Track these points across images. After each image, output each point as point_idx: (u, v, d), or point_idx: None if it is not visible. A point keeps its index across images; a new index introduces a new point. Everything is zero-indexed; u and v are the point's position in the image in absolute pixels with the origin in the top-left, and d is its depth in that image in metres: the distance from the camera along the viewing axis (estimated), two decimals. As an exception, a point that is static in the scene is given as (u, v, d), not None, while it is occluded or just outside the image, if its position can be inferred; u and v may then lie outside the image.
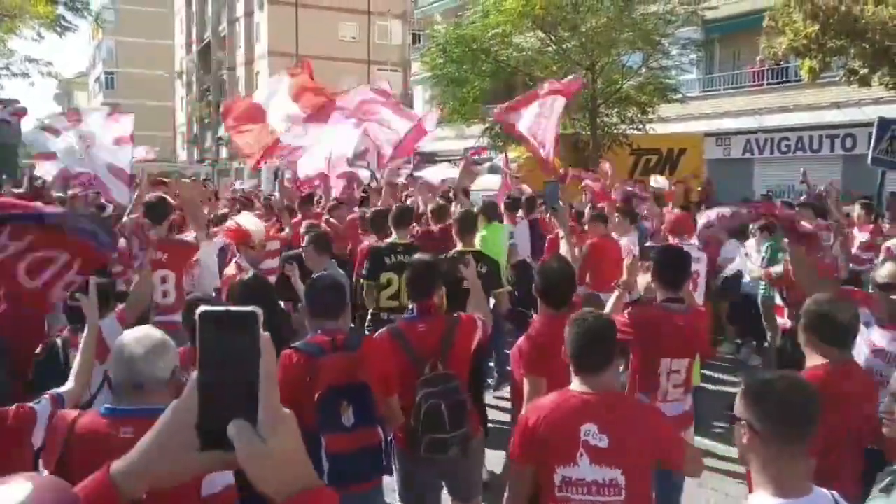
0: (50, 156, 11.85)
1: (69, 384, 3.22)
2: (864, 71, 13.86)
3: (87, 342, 3.45)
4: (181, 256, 6.27)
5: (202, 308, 0.98)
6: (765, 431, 2.11)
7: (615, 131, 18.46)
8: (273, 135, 10.13)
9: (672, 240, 7.31)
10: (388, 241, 6.69)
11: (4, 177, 13.52)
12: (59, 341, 4.18)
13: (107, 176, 10.05)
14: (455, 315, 4.27)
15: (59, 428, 2.58)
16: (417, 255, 4.60)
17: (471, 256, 5.58)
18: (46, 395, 2.99)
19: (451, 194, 10.31)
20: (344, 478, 3.38)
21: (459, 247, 6.53)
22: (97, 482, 1.00)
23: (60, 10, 20.19)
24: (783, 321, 7.47)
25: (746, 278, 8.74)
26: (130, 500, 0.99)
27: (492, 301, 6.00)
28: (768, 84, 22.94)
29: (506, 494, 3.12)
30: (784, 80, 22.33)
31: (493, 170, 15.66)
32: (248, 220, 6.62)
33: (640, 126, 18.87)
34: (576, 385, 3.03)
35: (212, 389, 0.96)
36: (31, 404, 2.88)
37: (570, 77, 9.02)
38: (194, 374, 0.97)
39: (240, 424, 0.95)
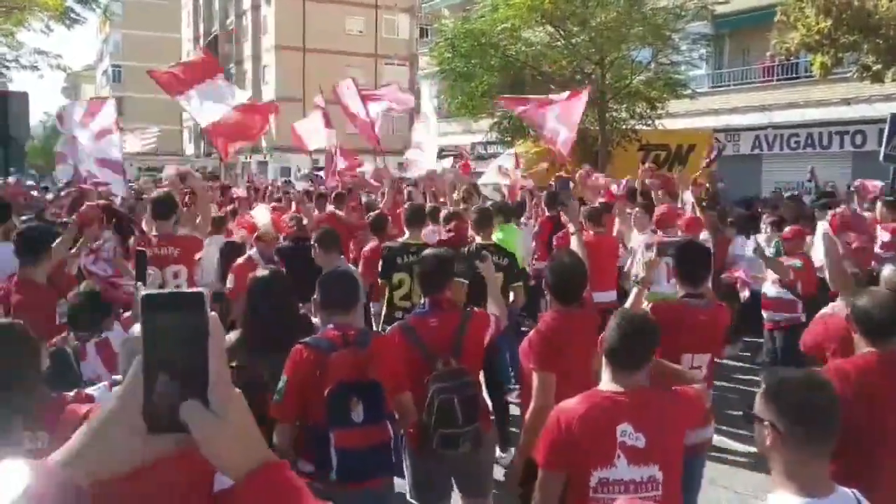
0: (62, 157, 11.92)
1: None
2: (878, 67, 13.74)
3: None
4: (192, 251, 6.26)
5: (145, 291, 0.99)
6: (787, 431, 2.08)
7: (624, 126, 18.41)
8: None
9: (658, 232, 7.34)
10: (401, 240, 6.67)
11: (13, 170, 13.54)
12: (69, 349, 4.15)
13: (100, 171, 10.08)
14: (468, 309, 4.24)
15: (71, 420, 2.56)
16: (429, 250, 4.54)
17: (487, 252, 5.60)
18: (105, 383, 3.07)
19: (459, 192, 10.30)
20: (353, 474, 3.35)
21: (479, 240, 6.52)
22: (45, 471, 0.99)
23: (69, 2, 20.22)
24: (777, 316, 7.44)
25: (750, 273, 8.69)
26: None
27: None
28: (778, 80, 22.80)
29: (534, 501, 3.06)
30: (794, 75, 22.19)
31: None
32: (259, 213, 6.63)
33: (649, 121, 18.79)
34: (606, 382, 3.00)
35: (158, 372, 0.95)
36: (89, 390, 2.97)
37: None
38: (138, 357, 0.97)
39: (192, 405, 0.95)
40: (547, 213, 9.67)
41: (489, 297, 4.51)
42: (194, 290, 0.99)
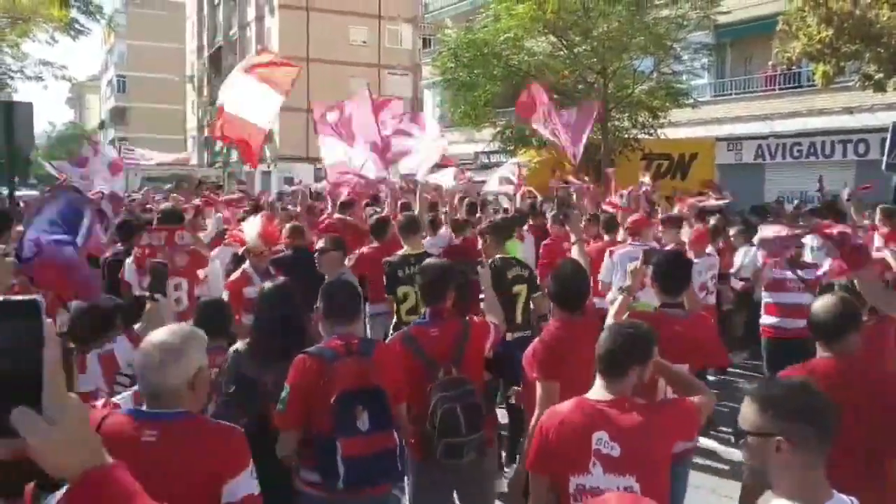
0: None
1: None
2: (880, 76, 13.76)
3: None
4: (195, 264, 6.27)
5: None
6: (799, 438, 2.03)
7: (626, 136, 18.42)
8: (259, 129, 10.51)
9: (632, 240, 7.38)
10: (401, 253, 6.57)
11: (17, 179, 13.58)
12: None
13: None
14: (467, 319, 4.25)
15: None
16: (429, 260, 4.54)
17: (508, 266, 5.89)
18: (131, 391, 3.08)
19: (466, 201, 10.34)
20: (360, 482, 3.36)
21: (499, 255, 6.33)
22: None
23: (74, 13, 20.31)
24: (775, 320, 7.43)
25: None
26: None
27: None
28: (780, 89, 22.81)
29: None
30: (796, 84, 22.20)
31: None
32: (247, 226, 6.57)
33: (652, 131, 18.81)
34: (595, 390, 3.02)
35: None
36: (117, 398, 2.99)
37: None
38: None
39: (23, 411, 0.96)
40: (532, 222, 9.76)
41: (486, 306, 4.52)
42: (29, 297, 0.99)
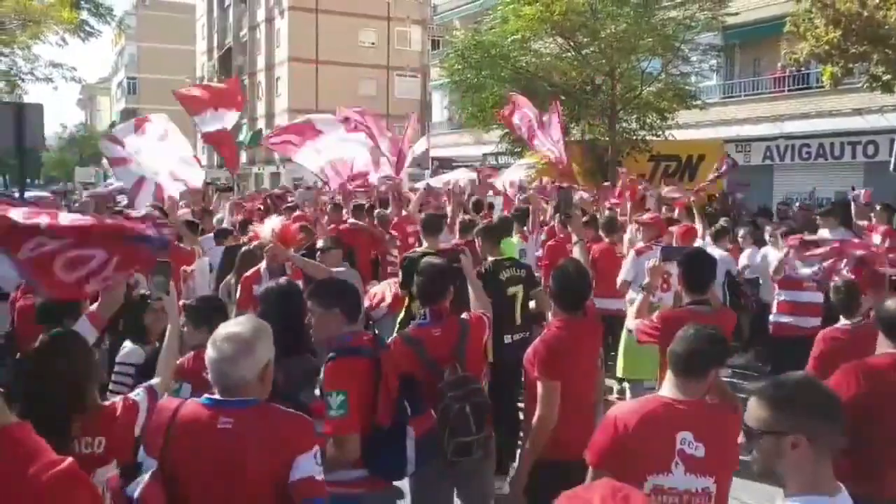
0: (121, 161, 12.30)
1: (157, 378, 3.41)
2: (888, 77, 13.71)
3: (171, 340, 3.63)
4: (177, 260, 6.31)
5: None
6: (815, 434, 2.03)
7: (634, 137, 18.38)
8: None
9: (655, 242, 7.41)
10: (420, 249, 6.66)
11: (29, 180, 13.68)
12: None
13: (169, 178, 10.65)
14: (465, 317, 4.27)
15: (163, 416, 2.68)
16: (427, 260, 4.53)
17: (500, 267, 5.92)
18: (142, 388, 3.20)
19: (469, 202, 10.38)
20: (420, 461, 3.52)
21: (491, 257, 6.34)
22: None
23: (84, 15, 20.43)
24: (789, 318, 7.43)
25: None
26: None
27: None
28: (789, 90, 22.75)
29: None
30: (805, 86, 22.13)
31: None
32: (266, 224, 6.63)
33: (660, 132, 18.78)
34: (666, 389, 3.04)
35: None
36: (132, 396, 3.12)
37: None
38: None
39: None
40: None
41: (472, 294, 4.54)
42: None
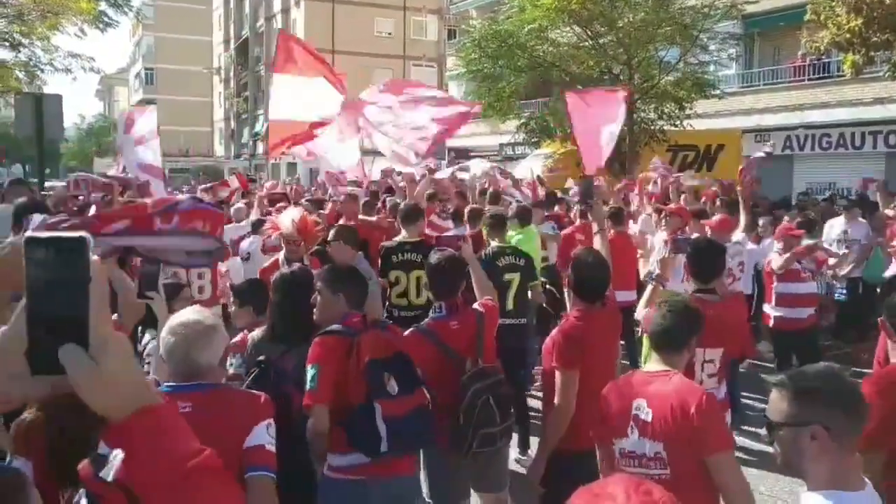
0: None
1: (152, 375, 3.48)
2: (910, 65, 13.57)
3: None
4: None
5: (28, 233, 0.99)
6: (838, 425, 2.00)
7: (652, 127, 18.29)
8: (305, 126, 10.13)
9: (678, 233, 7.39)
10: (398, 239, 6.77)
11: (48, 171, 13.81)
12: None
13: (142, 175, 10.22)
14: (479, 308, 4.27)
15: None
16: (440, 254, 4.48)
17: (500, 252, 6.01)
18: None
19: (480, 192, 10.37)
20: (402, 443, 3.48)
21: (495, 243, 6.62)
22: None
23: (102, 6, 20.50)
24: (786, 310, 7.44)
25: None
26: None
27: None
28: (809, 79, 22.52)
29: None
30: (825, 75, 21.90)
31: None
32: (285, 216, 6.66)
33: (678, 122, 18.66)
34: (650, 363, 3.24)
35: (41, 315, 0.97)
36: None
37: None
38: (23, 301, 0.98)
39: (69, 348, 0.96)
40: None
41: (474, 281, 4.54)
42: (76, 234, 0.99)
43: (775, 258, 7.53)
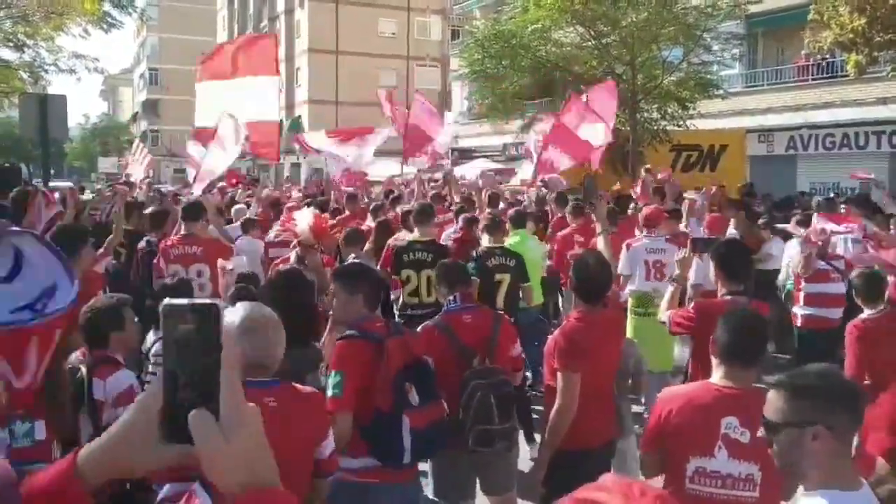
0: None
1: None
2: (914, 66, 13.55)
3: None
4: (215, 252, 6.41)
5: (166, 301, 0.98)
6: (839, 423, 2.00)
7: (655, 127, 18.25)
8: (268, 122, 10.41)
9: (647, 232, 7.34)
10: (409, 238, 6.86)
11: (53, 171, 13.82)
12: (82, 368, 3.58)
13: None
14: (500, 313, 4.31)
15: None
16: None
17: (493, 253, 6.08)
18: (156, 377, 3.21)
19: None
20: (423, 454, 3.52)
21: (486, 243, 6.70)
22: (61, 470, 0.99)
23: (106, 6, 20.55)
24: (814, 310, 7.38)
25: (782, 276, 8.59)
26: (91, 488, 0.98)
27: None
28: (813, 79, 22.47)
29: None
30: (829, 75, 21.85)
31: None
32: (300, 217, 6.68)
33: (681, 122, 18.63)
34: (716, 378, 3.06)
35: (175, 383, 0.96)
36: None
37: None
38: (160, 369, 0.97)
39: (201, 415, 0.94)
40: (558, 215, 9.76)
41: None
42: (210, 300, 0.99)
43: (796, 261, 7.47)
